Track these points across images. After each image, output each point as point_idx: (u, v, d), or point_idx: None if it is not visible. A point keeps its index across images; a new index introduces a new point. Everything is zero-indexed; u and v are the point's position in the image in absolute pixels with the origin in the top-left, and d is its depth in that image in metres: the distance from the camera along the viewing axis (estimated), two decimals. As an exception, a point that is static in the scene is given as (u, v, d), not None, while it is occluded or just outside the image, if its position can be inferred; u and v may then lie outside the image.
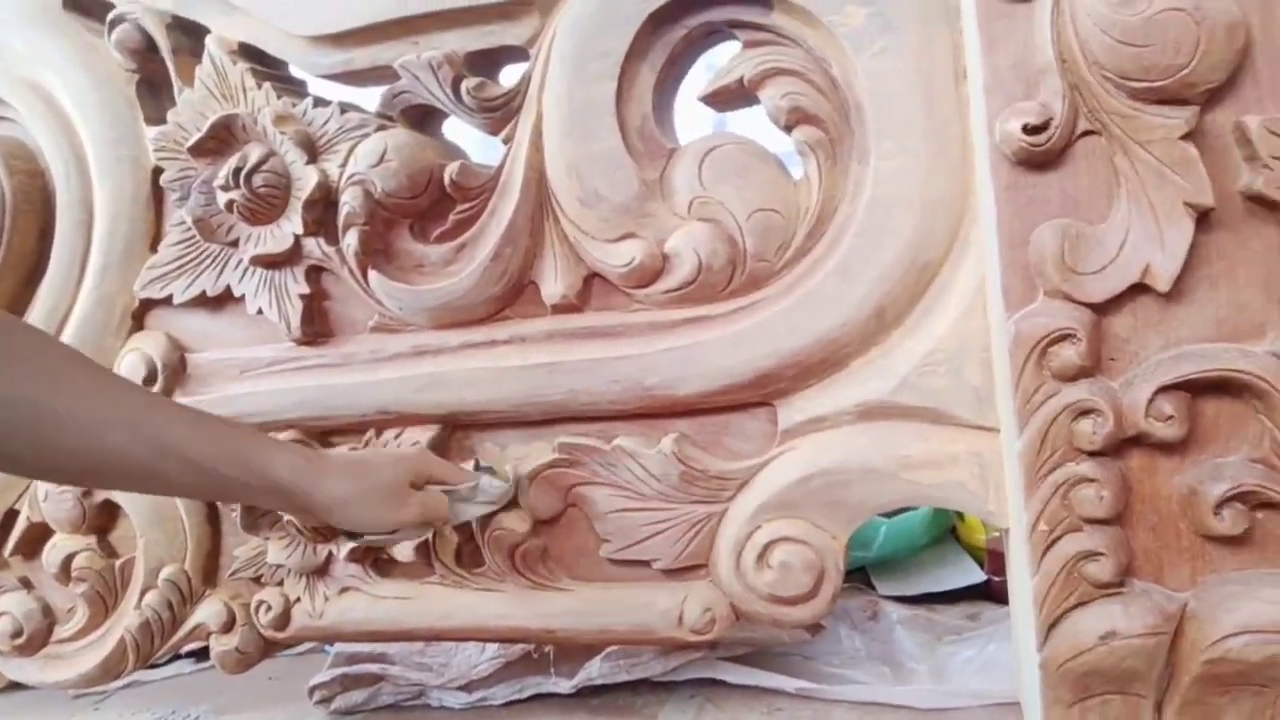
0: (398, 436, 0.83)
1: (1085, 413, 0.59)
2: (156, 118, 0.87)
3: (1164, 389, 0.58)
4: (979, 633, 1.04)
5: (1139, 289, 0.59)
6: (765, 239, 0.72)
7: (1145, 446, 0.60)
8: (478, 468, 0.79)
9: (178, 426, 0.64)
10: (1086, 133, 0.59)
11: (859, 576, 1.22)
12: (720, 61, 0.73)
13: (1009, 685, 0.84)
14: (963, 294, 0.67)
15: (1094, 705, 0.61)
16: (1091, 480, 0.59)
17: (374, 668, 1.03)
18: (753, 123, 0.75)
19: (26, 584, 1.00)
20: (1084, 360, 0.59)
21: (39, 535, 0.98)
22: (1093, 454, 0.59)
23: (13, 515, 0.99)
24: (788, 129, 0.71)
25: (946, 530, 1.27)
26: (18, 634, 0.98)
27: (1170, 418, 0.58)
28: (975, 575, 1.17)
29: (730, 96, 0.73)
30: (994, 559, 1.15)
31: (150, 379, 0.89)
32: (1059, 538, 0.60)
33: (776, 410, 0.74)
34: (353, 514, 0.72)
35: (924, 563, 1.23)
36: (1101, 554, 0.59)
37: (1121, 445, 0.60)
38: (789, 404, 0.73)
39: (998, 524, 0.68)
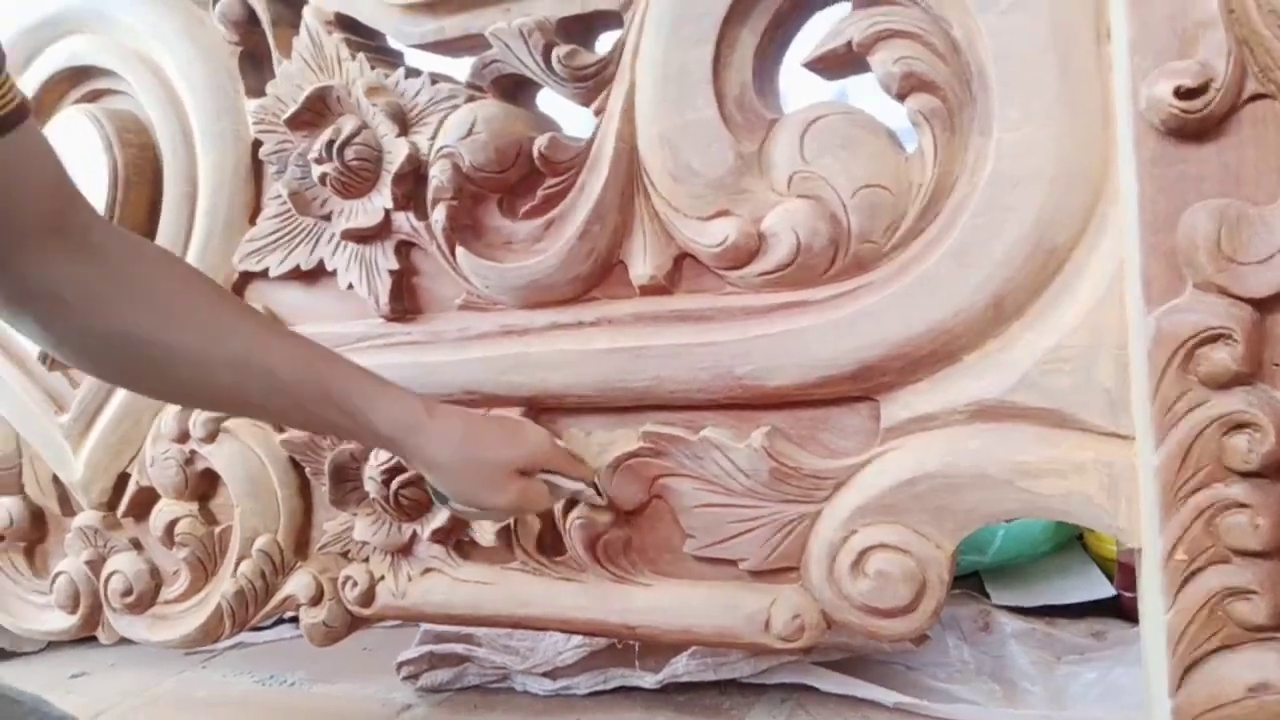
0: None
1: (1239, 426, 0.51)
2: (257, 90, 0.87)
3: (1340, 401, 0.49)
4: (1104, 654, 0.96)
5: (1314, 283, 0.50)
6: (872, 218, 0.65)
7: (1316, 469, 0.51)
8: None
9: (287, 367, 0.65)
10: (1256, 96, 0.50)
11: (971, 582, 1.14)
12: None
13: (1136, 716, 0.76)
14: (1096, 283, 0.59)
15: (1236, 763, 0.54)
16: (1244, 506, 0.51)
17: (460, 648, 1.03)
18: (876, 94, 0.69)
19: (137, 545, 1.04)
20: (1240, 365, 0.50)
21: (148, 499, 1.01)
22: (1247, 475, 0.51)
23: (124, 478, 1.02)
24: (900, 97, 0.64)
25: (1072, 537, 1.17)
26: (128, 592, 1.02)
27: (1348, 436, 0.49)
28: (1103, 589, 1.08)
29: (838, 62, 0.67)
30: (1125, 572, 1.06)
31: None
32: (1201, 569, 0.52)
33: (879, 406, 0.68)
34: (448, 482, 0.71)
35: (1045, 571, 1.14)
36: (1254, 592, 0.51)
37: (1284, 466, 0.51)
38: (893, 399, 0.67)
39: (1128, 542, 0.60)
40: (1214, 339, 0.51)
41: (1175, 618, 0.53)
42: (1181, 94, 0.49)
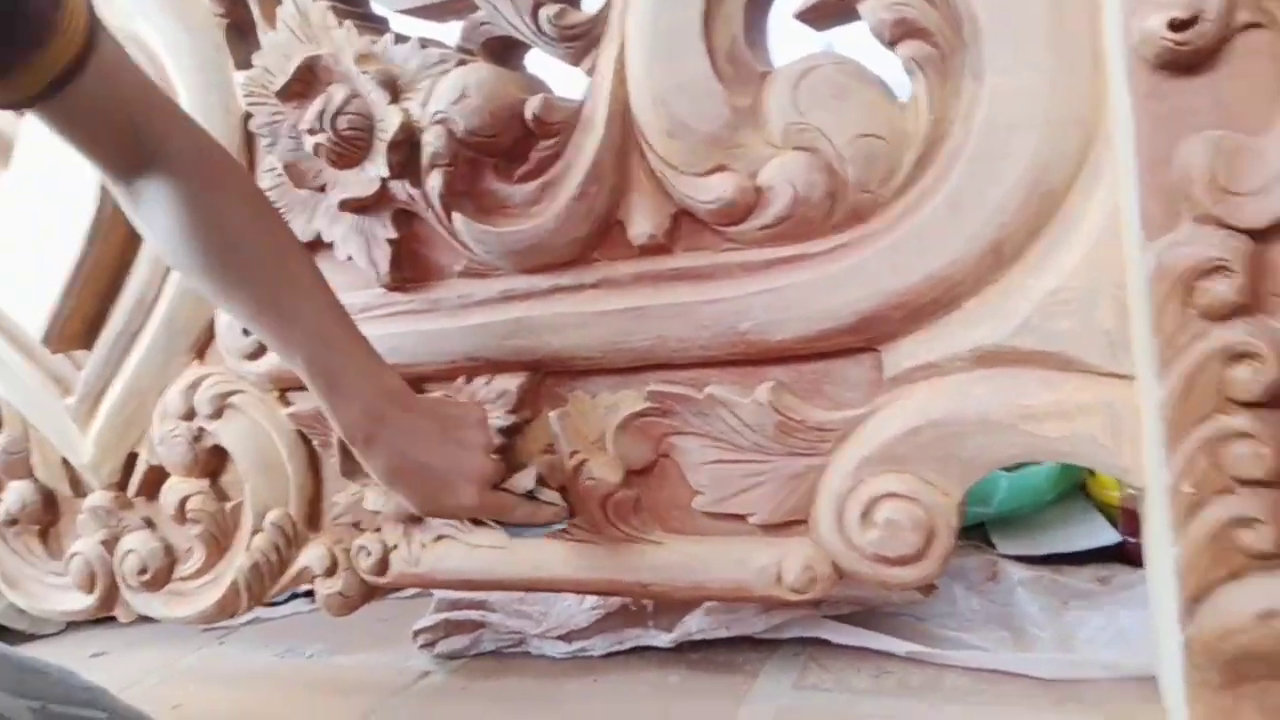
0: (488, 383, 0.82)
1: (1241, 357, 0.51)
2: (245, 62, 0.86)
3: (1342, 329, 0.49)
4: (1111, 598, 0.96)
5: (1311, 211, 0.50)
6: (868, 168, 0.65)
7: (1318, 397, 0.51)
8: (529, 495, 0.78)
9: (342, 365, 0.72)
10: (1247, 25, 0.49)
11: (978, 534, 1.14)
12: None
13: (1143, 658, 0.77)
14: (1093, 225, 0.59)
15: (1250, 692, 0.54)
16: (1248, 435, 0.51)
17: (475, 614, 1.04)
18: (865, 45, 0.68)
19: (149, 523, 1.05)
20: (1240, 296, 0.50)
21: (157, 477, 1.02)
22: (1250, 405, 0.51)
23: (133, 457, 1.03)
24: (892, 44, 0.64)
25: (1076, 485, 1.17)
26: (143, 571, 1.03)
27: (1350, 362, 0.49)
28: (1107, 535, 1.08)
29: (829, 12, 0.67)
30: (1129, 518, 1.06)
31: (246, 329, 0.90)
32: (1206, 500, 0.52)
33: (881, 356, 0.68)
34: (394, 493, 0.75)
35: (1050, 520, 1.14)
36: (1259, 520, 0.51)
37: (1287, 395, 0.51)
38: (896, 349, 0.67)
39: (1133, 482, 0.60)
40: (1213, 271, 0.51)
41: (1183, 550, 0.53)
42: (1174, 25, 0.49)
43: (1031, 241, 0.62)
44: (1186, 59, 0.51)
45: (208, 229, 0.69)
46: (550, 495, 0.78)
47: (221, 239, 0.70)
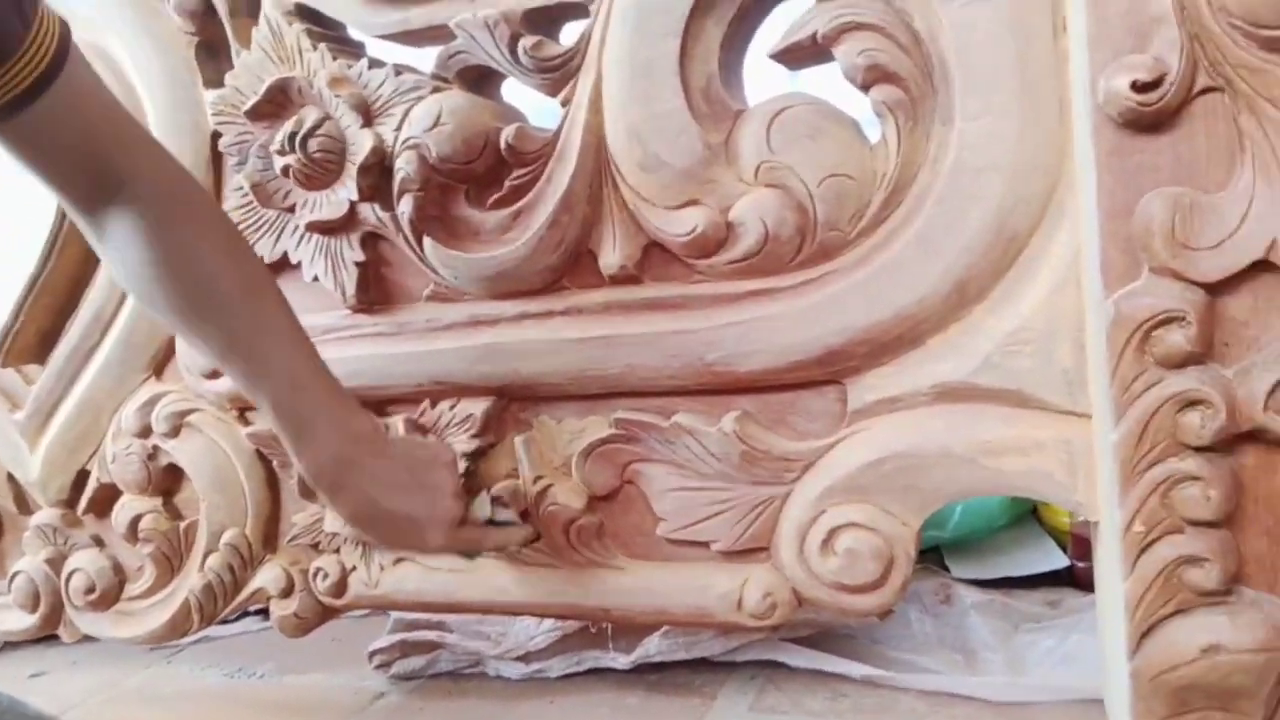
0: (453, 407, 0.82)
1: (1193, 404, 0.53)
2: (215, 81, 0.86)
3: (1288, 380, 0.52)
4: (1060, 622, 0.99)
5: (1262, 266, 0.52)
6: (838, 206, 0.67)
7: (1263, 443, 0.54)
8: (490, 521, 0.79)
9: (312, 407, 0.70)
10: (1206, 90, 0.52)
11: (932, 557, 1.17)
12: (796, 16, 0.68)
13: (1092, 681, 0.79)
14: (1054, 268, 0.61)
15: (1192, 722, 0.56)
16: (1197, 479, 0.53)
17: (432, 635, 1.03)
18: (831, 84, 0.70)
19: (99, 542, 1.02)
20: (1193, 345, 0.53)
21: (109, 495, 1.00)
22: (1200, 450, 0.54)
23: (84, 475, 1.01)
24: (865, 88, 0.65)
25: (1027, 511, 1.20)
26: (90, 590, 1.01)
27: (1294, 412, 0.52)
28: (1057, 559, 1.11)
29: (803, 54, 0.68)
30: (1078, 543, 1.09)
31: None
32: (1157, 539, 0.55)
33: (846, 389, 0.69)
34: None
35: (1002, 544, 1.17)
36: (1205, 559, 0.54)
37: (1234, 441, 0.54)
38: (860, 383, 0.69)
39: (1087, 516, 0.63)
40: (1169, 321, 0.53)
41: (1133, 586, 0.56)
42: (1138, 87, 0.51)
43: (995, 282, 0.64)
44: (1149, 118, 0.53)
45: (177, 265, 0.67)
46: (508, 515, 0.79)
47: (191, 276, 0.68)
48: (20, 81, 0.57)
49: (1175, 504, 0.54)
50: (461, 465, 0.79)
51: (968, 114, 0.61)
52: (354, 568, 0.89)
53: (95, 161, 0.64)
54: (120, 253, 0.68)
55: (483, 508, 0.78)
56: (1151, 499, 0.55)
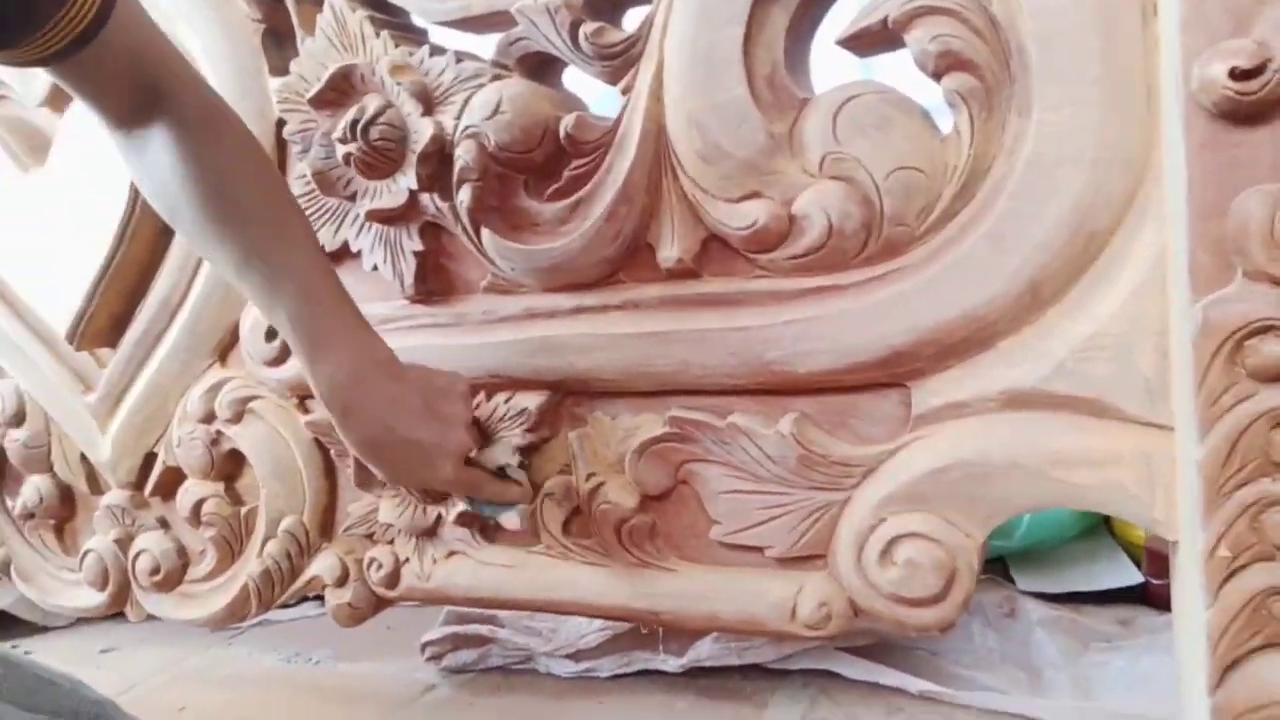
0: (508, 400, 0.81)
1: (1289, 420, 0.49)
2: (281, 68, 0.86)
3: (1394, 396, 0.48)
4: (1132, 642, 0.95)
5: (1368, 273, 0.48)
6: (906, 200, 0.64)
7: (1363, 465, 0.50)
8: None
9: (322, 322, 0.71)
10: (1313, 78, 0.48)
11: (997, 568, 1.13)
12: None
13: (1165, 708, 0.75)
14: (1137, 269, 0.58)
15: (1278, 765, 0.52)
16: (1293, 502, 0.50)
17: (484, 629, 1.04)
18: (903, 72, 0.67)
19: (164, 524, 1.05)
20: (1292, 358, 0.49)
21: (174, 479, 1.02)
22: (1295, 470, 0.50)
23: (152, 457, 1.03)
24: (937, 76, 0.62)
25: (1099, 522, 1.16)
26: (155, 571, 1.03)
27: (1400, 431, 0.48)
28: (1131, 576, 1.06)
29: (873, 40, 0.65)
30: (1154, 559, 1.04)
31: (271, 333, 0.90)
32: (1244, 566, 0.51)
33: (910, 392, 0.67)
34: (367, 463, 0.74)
35: (1072, 557, 1.12)
36: (1299, 590, 0.50)
37: (1333, 462, 0.50)
38: (925, 386, 0.66)
39: (1165, 535, 0.59)
40: (1264, 330, 0.49)
41: (1216, 615, 0.52)
42: (1236, 75, 0.47)
43: (1071, 283, 0.60)
44: (1248, 109, 0.49)
45: (205, 176, 0.69)
46: (518, 474, 0.78)
47: (218, 187, 0.69)
48: (80, 19, 0.59)
49: (1266, 529, 0.51)
50: (515, 459, 0.78)
51: (1047, 104, 0.58)
52: (407, 559, 0.89)
53: (140, 88, 0.67)
54: (153, 167, 0.70)
55: (503, 453, 0.77)
56: (1239, 522, 0.51)
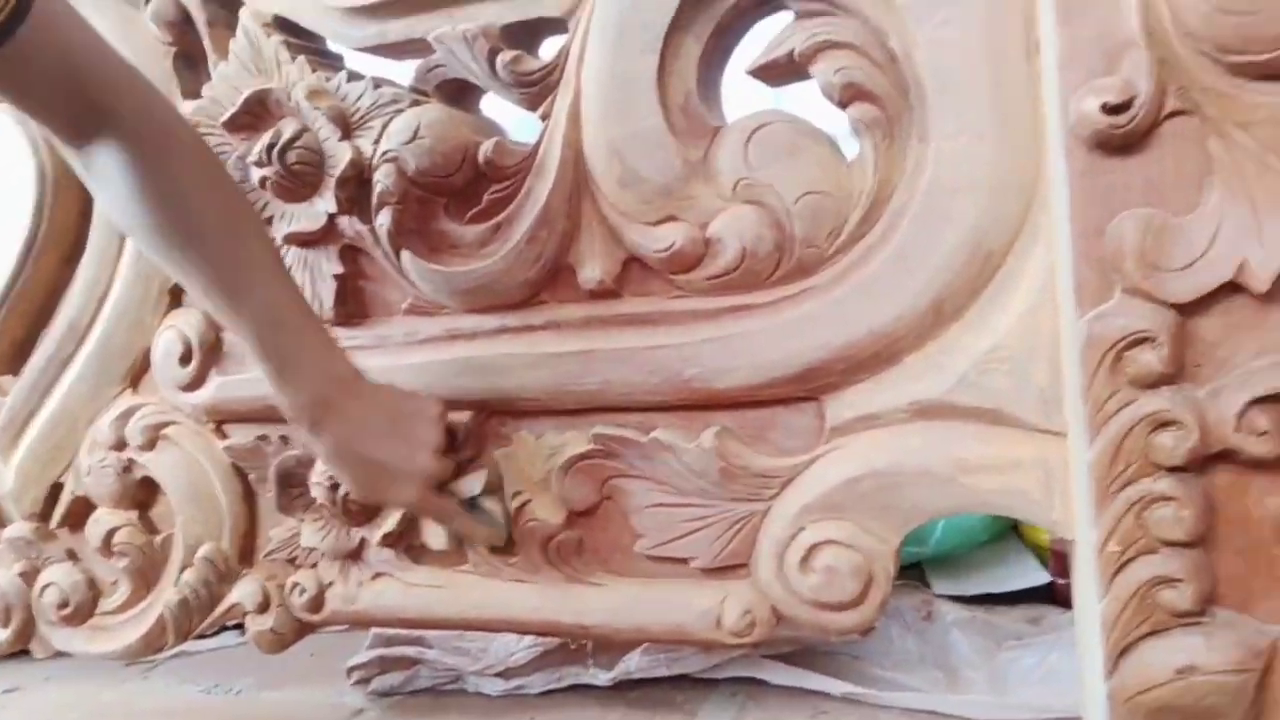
0: (432, 421, 0.81)
1: (1165, 424, 0.53)
2: (193, 92, 0.85)
3: (1258, 400, 0.52)
4: (1041, 639, 0.99)
5: (1231, 288, 0.52)
6: (815, 223, 0.67)
7: (1234, 463, 0.54)
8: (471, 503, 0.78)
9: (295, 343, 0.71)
10: (1175, 113, 0.52)
11: (914, 573, 1.17)
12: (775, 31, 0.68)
13: (1073, 699, 0.79)
14: (1030, 287, 0.61)
15: (1168, 743, 0.56)
16: (1170, 499, 0.54)
17: (411, 651, 1.03)
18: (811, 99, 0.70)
19: (73, 556, 1.01)
20: (1165, 366, 0.53)
21: (83, 509, 0.99)
22: (1173, 470, 0.54)
23: (58, 488, 0.99)
24: (842, 105, 0.66)
25: (1008, 527, 1.21)
26: (64, 605, 0.99)
27: (1265, 433, 0.52)
28: (1038, 576, 1.12)
29: (781, 71, 0.68)
30: (1059, 559, 1.10)
31: (186, 357, 0.89)
32: (1131, 559, 0.55)
33: (824, 406, 0.69)
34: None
35: (983, 560, 1.17)
36: (1179, 580, 0.54)
37: (1206, 461, 0.54)
38: (838, 399, 0.68)
39: (1063, 535, 0.62)
40: (1141, 341, 0.53)
41: (1109, 606, 0.56)
42: (1108, 109, 0.51)
43: (971, 300, 0.64)
44: (1119, 140, 0.53)
45: (160, 195, 0.67)
46: (492, 506, 0.78)
47: (174, 209, 0.68)
48: None
49: (1149, 524, 0.54)
50: (494, 509, 0.79)
51: (943, 133, 0.62)
52: (331, 583, 0.88)
53: (79, 96, 0.64)
54: (107, 185, 0.68)
55: (471, 485, 0.78)
56: (1126, 519, 0.55)
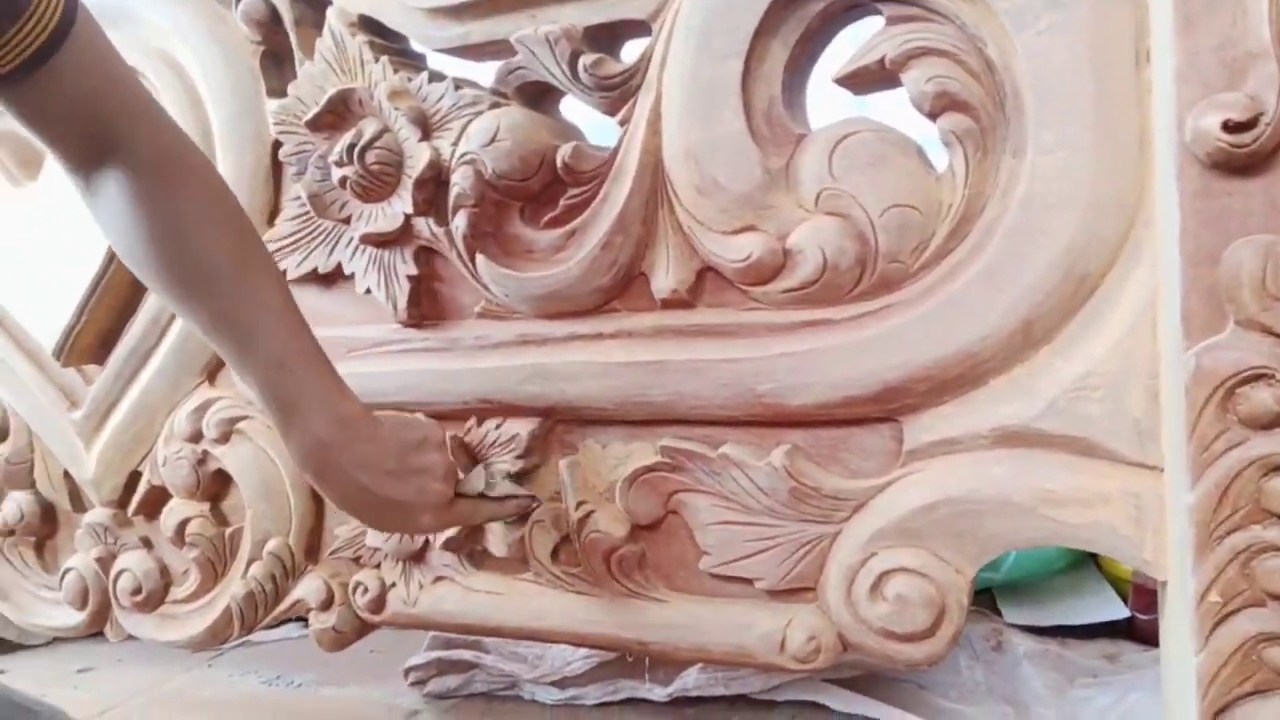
0: (498, 427, 0.81)
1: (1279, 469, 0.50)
2: (279, 90, 0.86)
3: (1381, 446, 0.48)
4: (1119, 678, 0.95)
5: (1358, 323, 0.49)
6: (900, 237, 0.64)
7: (1354, 513, 0.50)
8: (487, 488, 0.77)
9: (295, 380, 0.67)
10: (1306, 130, 0.49)
11: (984, 600, 1.13)
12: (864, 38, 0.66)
13: (1152, 747, 0.75)
14: (1128, 311, 0.58)
15: (1267, 810, 0.52)
16: (1282, 549, 0.50)
17: (468, 655, 1.03)
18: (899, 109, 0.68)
19: (147, 544, 1.03)
20: (1282, 405, 0.49)
21: (159, 498, 1.01)
22: (1287, 517, 0.50)
23: (136, 476, 1.02)
24: (933, 116, 0.63)
25: (1086, 556, 1.16)
26: (137, 591, 1.02)
27: (1388, 482, 0.48)
28: (1117, 610, 1.07)
29: (870, 78, 0.66)
30: (1140, 594, 1.05)
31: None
32: (1235, 611, 0.51)
33: (902, 428, 0.67)
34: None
35: (1059, 590, 1.13)
36: (1290, 638, 0.50)
37: (1324, 510, 0.50)
38: (917, 422, 0.66)
39: (1154, 575, 0.59)
40: (1256, 378, 0.50)
41: (1207, 660, 0.52)
42: (1230, 127, 0.48)
43: (1063, 323, 0.61)
44: (1241, 160, 0.50)
45: (164, 231, 0.65)
46: (506, 487, 0.77)
47: (179, 242, 0.65)
48: (26, 48, 0.56)
49: (1257, 575, 0.51)
50: (507, 487, 0.78)
51: (1041, 146, 0.59)
52: (393, 584, 0.89)
53: (94, 125, 0.63)
54: (108, 214, 0.66)
55: (477, 482, 0.76)
56: (1230, 568, 0.51)
